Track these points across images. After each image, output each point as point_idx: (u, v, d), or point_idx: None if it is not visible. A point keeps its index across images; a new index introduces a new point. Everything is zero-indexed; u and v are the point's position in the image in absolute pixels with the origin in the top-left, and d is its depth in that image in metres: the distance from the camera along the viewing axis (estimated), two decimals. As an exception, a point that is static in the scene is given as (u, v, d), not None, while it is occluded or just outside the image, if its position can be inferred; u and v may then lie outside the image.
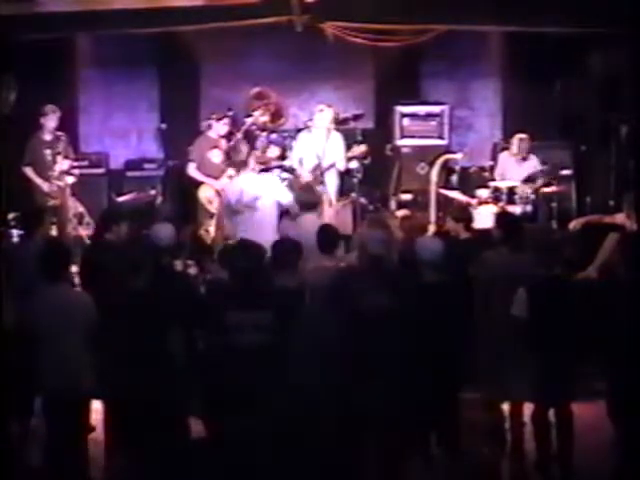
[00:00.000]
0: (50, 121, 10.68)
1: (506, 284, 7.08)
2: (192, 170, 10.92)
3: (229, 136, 11.33)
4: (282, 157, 11.53)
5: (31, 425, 7.17)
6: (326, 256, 7.28)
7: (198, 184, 10.89)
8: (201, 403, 6.49)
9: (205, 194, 10.85)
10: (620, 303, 6.63)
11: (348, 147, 11.06)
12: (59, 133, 10.71)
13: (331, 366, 6.27)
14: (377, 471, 6.52)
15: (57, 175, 10.62)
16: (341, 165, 10.78)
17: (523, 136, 11.32)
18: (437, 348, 6.43)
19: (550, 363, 6.71)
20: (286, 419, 6.16)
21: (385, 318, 6.36)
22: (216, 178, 10.84)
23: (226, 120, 11.09)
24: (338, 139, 10.95)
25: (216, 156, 10.93)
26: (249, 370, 6.15)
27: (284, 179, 11.30)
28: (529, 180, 11.08)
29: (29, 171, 10.62)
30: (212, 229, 10.71)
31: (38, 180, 10.59)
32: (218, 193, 10.81)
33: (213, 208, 10.81)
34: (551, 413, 6.88)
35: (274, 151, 11.56)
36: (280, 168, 11.50)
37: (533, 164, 11.26)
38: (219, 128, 11.02)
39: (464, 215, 8.65)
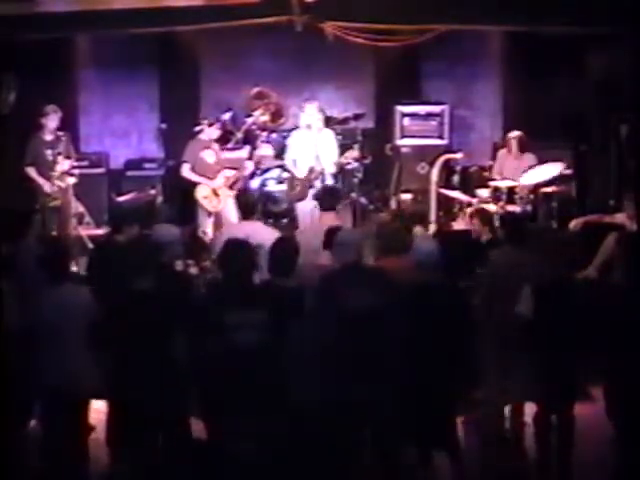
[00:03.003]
0: (51, 121, 10.67)
1: (510, 283, 7.09)
2: (186, 171, 10.88)
3: (221, 139, 11.36)
4: (279, 156, 11.57)
5: (31, 425, 7.18)
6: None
7: (194, 184, 10.89)
8: (201, 403, 6.48)
9: (202, 193, 10.85)
10: (619, 303, 6.62)
11: (346, 147, 11.07)
12: (60, 133, 10.69)
13: (329, 366, 6.28)
14: (375, 471, 6.52)
15: (58, 175, 10.62)
16: (332, 169, 10.73)
17: (517, 133, 11.33)
18: (436, 348, 6.43)
19: (553, 363, 6.70)
20: (285, 418, 6.17)
21: (375, 318, 6.35)
22: (211, 178, 10.85)
23: (218, 125, 11.08)
24: (330, 138, 10.83)
25: (209, 156, 10.94)
26: (248, 369, 6.15)
27: (284, 179, 11.35)
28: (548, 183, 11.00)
29: (31, 171, 10.61)
30: (210, 229, 10.73)
31: (41, 180, 10.58)
32: (215, 192, 10.83)
33: (211, 207, 10.82)
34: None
35: (267, 150, 11.55)
36: (281, 168, 11.53)
37: (530, 161, 11.25)
38: (210, 132, 10.99)
39: (490, 216, 8.87)
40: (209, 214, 10.82)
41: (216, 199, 10.81)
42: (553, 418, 6.83)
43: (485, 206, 10.50)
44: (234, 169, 11.07)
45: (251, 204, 8.68)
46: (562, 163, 10.96)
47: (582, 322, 6.68)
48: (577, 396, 6.89)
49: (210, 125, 10.99)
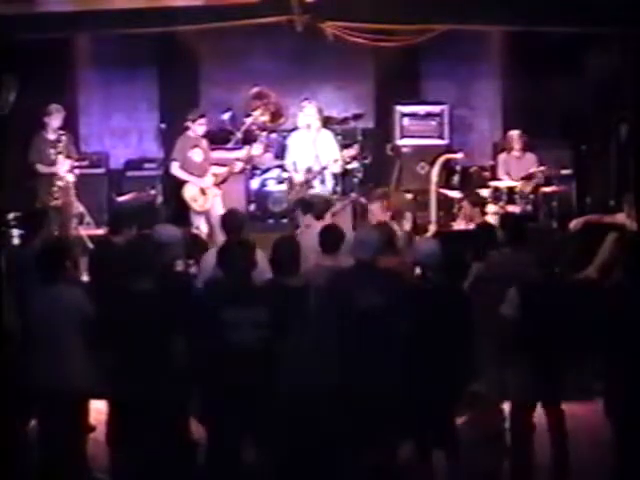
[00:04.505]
0: (54, 120, 10.70)
1: (509, 284, 7.09)
2: (175, 169, 10.91)
3: (221, 139, 11.33)
4: (279, 157, 11.56)
5: (31, 425, 7.18)
6: (328, 256, 7.26)
7: (182, 183, 10.90)
8: (200, 402, 6.49)
9: (190, 193, 10.86)
10: (619, 303, 6.62)
11: (346, 147, 11.06)
12: (62, 132, 10.73)
13: (330, 366, 6.27)
14: (375, 471, 6.52)
15: (60, 175, 10.63)
16: (335, 168, 10.71)
17: (517, 132, 11.36)
18: (436, 349, 6.43)
19: (540, 363, 6.69)
20: (285, 418, 6.17)
21: (379, 319, 6.35)
22: (199, 177, 10.86)
23: (202, 120, 11.00)
24: (328, 138, 10.84)
25: (197, 155, 10.94)
26: (250, 369, 6.15)
27: (284, 179, 11.34)
28: (529, 179, 11.08)
29: (41, 167, 10.63)
30: (203, 226, 10.74)
31: (47, 171, 10.58)
32: (203, 191, 10.83)
33: (197, 206, 10.83)
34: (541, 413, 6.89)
35: (257, 149, 11.51)
36: (280, 168, 11.53)
37: (532, 161, 11.28)
38: (197, 128, 10.96)
39: (481, 199, 8.74)
40: (198, 213, 10.84)
41: (203, 198, 10.82)
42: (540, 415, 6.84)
43: (455, 196, 10.62)
44: (223, 166, 11.06)
45: (238, 223, 7.99)
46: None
47: (581, 322, 6.68)
48: (564, 395, 6.86)
49: (193, 121, 10.95)
